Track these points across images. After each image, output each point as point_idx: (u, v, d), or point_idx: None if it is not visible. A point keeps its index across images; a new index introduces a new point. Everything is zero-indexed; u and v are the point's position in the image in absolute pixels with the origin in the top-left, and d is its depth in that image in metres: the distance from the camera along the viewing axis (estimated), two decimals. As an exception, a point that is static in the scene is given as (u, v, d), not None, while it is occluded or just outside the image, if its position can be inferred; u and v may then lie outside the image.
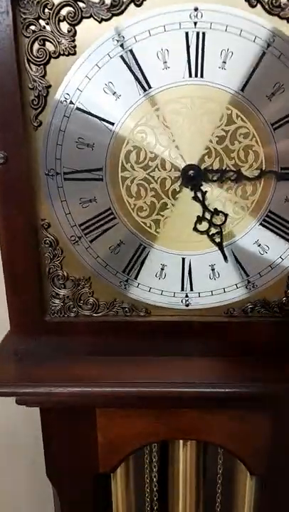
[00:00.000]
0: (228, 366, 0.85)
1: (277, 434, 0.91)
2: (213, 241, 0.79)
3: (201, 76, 0.69)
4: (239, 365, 0.85)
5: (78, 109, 0.71)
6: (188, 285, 0.81)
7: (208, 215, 0.78)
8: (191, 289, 0.81)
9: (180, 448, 1.04)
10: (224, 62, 0.69)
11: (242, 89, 0.70)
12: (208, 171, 0.74)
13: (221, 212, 0.77)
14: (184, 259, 0.79)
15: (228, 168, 0.74)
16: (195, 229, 0.78)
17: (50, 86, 0.70)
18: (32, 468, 1.42)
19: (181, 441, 1.02)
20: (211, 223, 0.78)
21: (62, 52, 0.68)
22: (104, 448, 0.93)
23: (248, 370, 0.84)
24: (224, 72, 0.69)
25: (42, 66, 0.69)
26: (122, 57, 0.68)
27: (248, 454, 0.94)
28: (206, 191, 0.76)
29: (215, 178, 0.75)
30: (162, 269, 0.80)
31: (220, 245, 0.79)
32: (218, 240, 0.79)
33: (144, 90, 0.70)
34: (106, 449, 0.93)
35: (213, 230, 0.78)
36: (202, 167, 0.74)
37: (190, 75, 0.69)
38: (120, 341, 0.83)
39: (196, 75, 0.69)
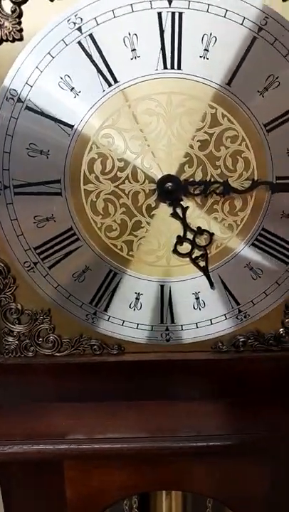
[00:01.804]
0: (216, 411, 0.74)
1: (275, 482, 0.79)
2: (196, 265, 0.68)
3: (179, 67, 0.59)
4: (229, 409, 0.75)
5: (28, 108, 0.59)
6: (169, 317, 0.71)
7: (190, 235, 0.66)
8: (172, 322, 0.71)
9: (163, 497, 0.92)
10: (206, 50, 0.58)
11: (228, 83, 0.60)
12: (190, 183, 0.63)
13: (206, 231, 0.66)
14: (162, 286, 0.69)
15: (213, 179, 0.64)
16: (175, 251, 0.68)
17: (-9, 80, 0.57)
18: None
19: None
20: (194, 244, 0.67)
21: (5, 38, 0.58)
22: (74, 504, 0.81)
23: (240, 416, 0.73)
24: (206, 63, 0.59)
25: (-20, 55, 0.57)
26: (80, 43, 0.58)
27: (242, 505, 0.83)
28: (187, 207, 0.65)
29: (197, 192, 0.64)
30: (137, 298, 0.69)
31: (205, 270, 0.68)
32: (202, 263, 0.68)
33: (109, 85, 0.59)
34: (76, 505, 0.81)
35: (196, 253, 0.68)
36: (182, 178, 0.64)
37: (165, 67, 0.59)
38: (89, 385, 0.73)
39: (172, 67, 0.59)
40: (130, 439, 0.72)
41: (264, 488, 0.80)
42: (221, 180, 0.63)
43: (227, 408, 0.74)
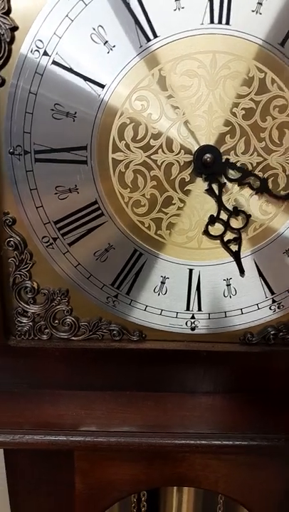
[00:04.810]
0: (241, 408, 0.70)
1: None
2: (227, 249, 0.62)
3: (227, 22, 0.53)
4: (255, 406, 0.70)
5: (55, 63, 0.53)
6: (196, 304, 0.65)
7: (224, 215, 0.59)
8: (199, 309, 0.66)
9: (174, 490, 0.88)
10: (260, 3, 0.52)
11: (282, 44, 0.53)
12: (230, 165, 0.58)
13: (243, 212, 0.59)
14: (191, 270, 0.63)
15: (256, 154, 0.58)
16: (206, 232, 0.61)
17: (15, 28, 0.54)
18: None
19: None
20: (227, 226, 0.60)
21: (32, -21, 0.49)
22: (83, 496, 0.79)
23: (264, 414, 0.69)
24: (259, 18, 0.52)
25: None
26: (117, -11, 0.49)
27: (256, 503, 0.78)
28: (224, 183, 0.59)
29: (239, 165, 0.57)
30: (163, 282, 0.64)
31: (236, 255, 0.62)
32: (234, 248, 0.61)
33: (148, 40, 0.53)
34: (85, 497, 0.79)
35: (229, 235, 0.61)
36: (222, 150, 0.58)
37: (212, 21, 0.52)
38: (106, 373, 0.69)
39: (219, 21, 0.52)
40: (148, 433, 0.67)
41: (280, 487, 0.76)
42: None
43: (252, 405, 0.70)
